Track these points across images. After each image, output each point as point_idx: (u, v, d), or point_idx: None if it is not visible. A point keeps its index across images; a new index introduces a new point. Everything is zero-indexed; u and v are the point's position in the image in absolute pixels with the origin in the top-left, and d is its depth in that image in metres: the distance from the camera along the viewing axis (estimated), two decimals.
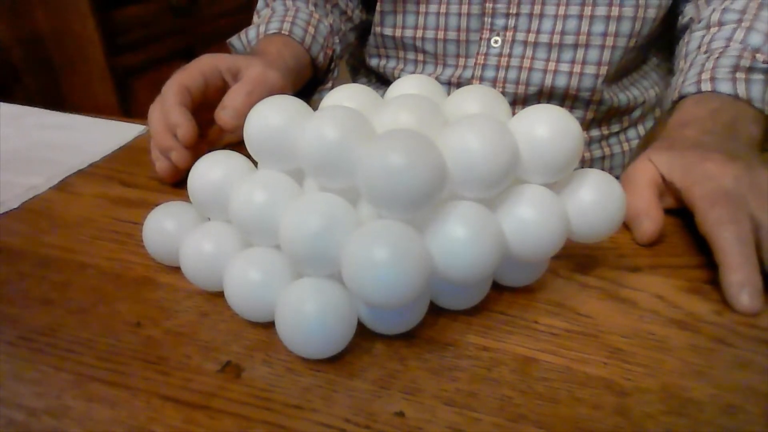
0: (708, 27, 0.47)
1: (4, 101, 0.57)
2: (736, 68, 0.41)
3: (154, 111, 0.41)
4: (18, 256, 0.34)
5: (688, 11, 0.51)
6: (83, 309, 0.30)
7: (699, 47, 0.46)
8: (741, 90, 0.40)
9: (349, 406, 0.24)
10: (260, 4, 0.60)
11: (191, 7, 1.52)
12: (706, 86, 0.41)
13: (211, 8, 1.57)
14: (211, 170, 0.30)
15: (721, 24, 0.46)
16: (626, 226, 0.35)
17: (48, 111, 0.55)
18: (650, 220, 0.34)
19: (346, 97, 0.31)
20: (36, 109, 0.56)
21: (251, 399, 0.24)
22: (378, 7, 0.58)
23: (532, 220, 0.26)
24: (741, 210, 0.31)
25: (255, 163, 0.31)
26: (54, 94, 1.44)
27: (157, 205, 0.32)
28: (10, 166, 0.45)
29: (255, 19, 0.59)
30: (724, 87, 0.40)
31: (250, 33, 0.54)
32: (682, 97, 0.43)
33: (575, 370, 0.26)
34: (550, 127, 0.27)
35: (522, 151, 0.26)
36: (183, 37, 1.53)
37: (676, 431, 0.23)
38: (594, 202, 0.28)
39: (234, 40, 0.56)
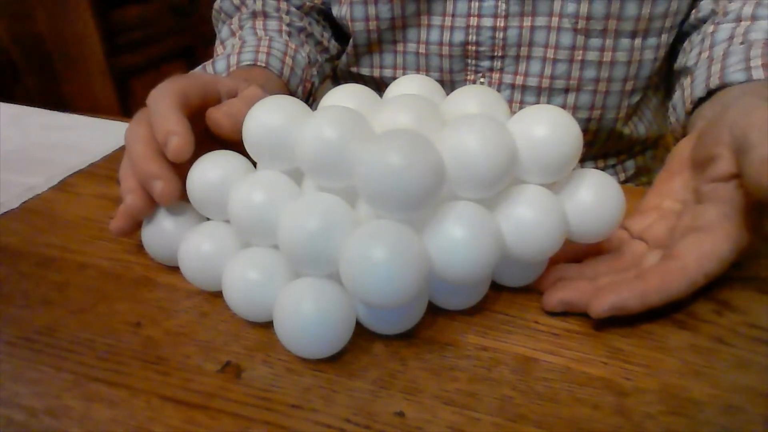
0: (738, 20, 0.43)
1: (4, 101, 0.57)
2: None
3: (138, 128, 0.31)
4: (18, 256, 0.34)
5: (704, 6, 0.47)
6: (83, 309, 0.30)
7: (731, 38, 0.41)
8: None
9: (349, 406, 0.24)
10: (224, 33, 0.53)
11: (191, 7, 1.52)
12: (758, 73, 0.37)
13: (211, 8, 1.56)
14: (211, 170, 0.30)
15: (755, 18, 0.42)
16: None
17: (48, 111, 0.55)
18: None
19: (345, 97, 0.31)
20: (36, 109, 0.56)
21: (251, 399, 0.25)
22: (351, 49, 0.53)
23: (530, 221, 0.26)
24: None
25: (254, 164, 0.31)
26: (54, 94, 1.44)
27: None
28: (10, 166, 0.45)
29: (219, 50, 0.52)
30: None
31: (219, 65, 0.46)
32: (723, 86, 0.38)
33: (575, 370, 0.26)
34: (549, 127, 0.26)
35: (521, 151, 0.26)
36: (183, 37, 1.53)
37: (676, 431, 0.23)
38: (593, 202, 0.28)
39: (198, 71, 0.46)
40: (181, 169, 0.30)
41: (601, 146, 0.54)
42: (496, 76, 0.50)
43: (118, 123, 0.53)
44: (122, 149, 0.48)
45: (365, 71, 0.55)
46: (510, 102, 0.51)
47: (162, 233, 0.31)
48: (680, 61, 0.48)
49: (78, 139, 0.50)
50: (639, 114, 0.55)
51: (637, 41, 0.47)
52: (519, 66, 0.49)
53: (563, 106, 0.50)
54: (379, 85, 0.55)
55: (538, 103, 0.50)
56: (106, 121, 0.53)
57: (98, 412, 0.24)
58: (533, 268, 0.30)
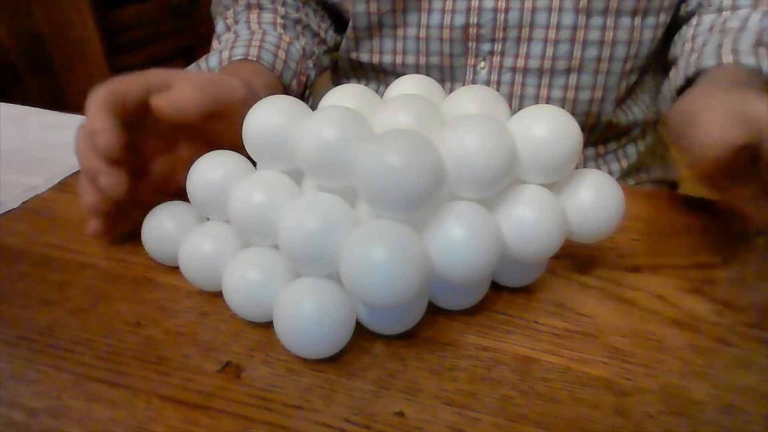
0: (720, 11, 0.45)
1: (4, 101, 0.57)
2: (758, 44, 0.39)
3: (80, 131, 0.32)
4: (18, 256, 0.34)
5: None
6: (83, 309, 0.30)
7: (711, 29, 0.44)
8: (765, 65, 0.38)
9: (349, 406, 0.24)
10: (220, 27, 0.53)
11: (191, 7, 1.52)
12: (727, 58, 0.39)
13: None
14: (211, 170, 0.30)
15: (735, 7, 0.44)
16: (624, 227, 0.35)
17: (48, 111, 0.55)
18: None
19: (344, 97, 0.31)
20: (36, 109, 0.56)
21: (251, 399, 0.25)
22: (350, 33, 0.53)
23: (530, 221, 0.26)
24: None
25: (254, 164, 0.31)
26: (54, 94, 1.44)
27: (156, 205, 0.32)
28: (10, 166, 0.45)
29: (215, 45, 0.52)
30: (748, 60, 0.39)
31: (212, 60, 0.46)
32: (698, 74, 0.41)
33: (575, 370, 0.26)
34: (548, 127, 0.26)
35: (521, 151, 0.26)
36: (183, 37, 1.53)
37: (676, 431, 0.23)
38: (593, 202, 0.28)
39: (192, 68, 0.46)
40: (147, 165, 0.33)
41: (602, 131, 0.54)
42: (496, 59, 0.50)
43: None
44: None
45: (365, 57, 0.54)
46: (511, 85, 0.50)
47: (162, 233, 0.31)
48: (671, 52, 0.49)
49: None
50: (634, 97, 0.55)
51: (637, 20, 0.47)
52: (520, 48, 0.49)
53: (565, 87, 0.50)
54: (377, 73, 0.55)
55: (539, 85, 0.50)
56: None
57: (98, 412, 0.24)
58: (533, 268, 0.30)
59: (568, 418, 0.23)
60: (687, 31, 0.46)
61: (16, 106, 0.57)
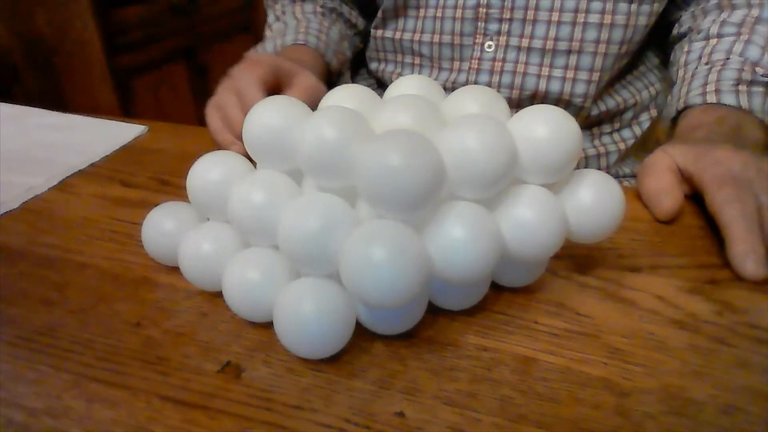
0: (707, 38, 0.50)
1: (4, 101, 0.57)
2: (738, 81, 0.44)
3: (228, 97, 0.45)
4: (18, 256, 0.34)
5: (685, 21, 0.53)
6: (83, 309, 0.30)
7: (700, 58, 0.49)
8: (743, 101, 0.43)
9: (349, 406, 0.24)
10: (270, 18, 0.64)
11: (191, 7, 1.52)
12: (711, 98, 0.44)
13: (211, 8, 1.56)
14: (211, 170, 0.30)
15: (720, 36, 0.49)
16: (624, 227, 0.35)
17: (48, 111, 0.55)
18: (670, 197, 0.36)
19: (345, 97, 0.31)
20: (36, 109, 0.56)
21: (251, 399, 0.25)
22: (380, 14, 0.60)
23: (530, 221, 0.26)
24: (746, 191, 0.34)
25: (254, 164, 0.31)
26: (54, 95, 1.44)
27: (156, 205, 0.32)
28: (10, 166, 0.45)
29: (267, 33, 0.63)
30: (729, 99, 0.43)
31: (267, 46, 0.58)
32: (687, 107, 0.46)
33: (575, 370, 0.26)
34: (549, 128, 0.26)
35: (521, 151, 0.26)
36: (183, 37, 1.53)
37: (676, 431, 0.23)
38: (593, 202, 0.28)
39: (251, 54, 0.56)
40: None
41: (597, 113, 0.57)
42: (503, 39, 0.54)
43: (118, 123, 0.53)
44: (122, 149, 0.48)
45: (389, 34, 0.60)
46: (515, 63, 0.54)
47: (162, 233, 0.31)
48: (670, 71, 0.55)
49: (78, 139, 0.50)
50: (624, 82, 0.59)
51: (633, 6, 0.51)
52: (525, 29, 0.53)
53: (565, 68, 0.53)
54: (396, 53, 0.61)
55: (541, 64, 0.53)
56: (106, 121, 0.53)
57: (98, 412, 0.24)
58: (533, 268, 0.30)
59: (568, 418, 0.23)
60: (680, 57, 0.52)
61: (16, 106, 0.57)
